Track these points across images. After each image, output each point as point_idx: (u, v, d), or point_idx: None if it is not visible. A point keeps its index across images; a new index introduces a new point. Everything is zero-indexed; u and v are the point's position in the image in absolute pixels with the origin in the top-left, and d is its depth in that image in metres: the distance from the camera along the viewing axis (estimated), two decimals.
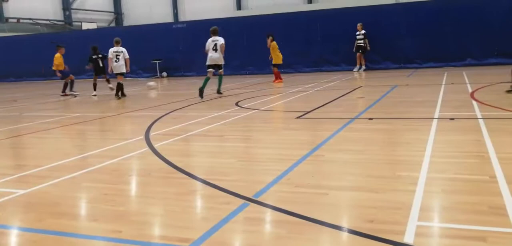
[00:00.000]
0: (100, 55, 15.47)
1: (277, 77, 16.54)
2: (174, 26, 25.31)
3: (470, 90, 10.76)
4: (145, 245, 3.15)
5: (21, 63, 26.12)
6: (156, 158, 5.67)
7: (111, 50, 14.16)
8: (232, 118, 8.62)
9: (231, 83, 17.30)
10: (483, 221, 3.23)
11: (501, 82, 11.83)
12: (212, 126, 7.88)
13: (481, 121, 6.82)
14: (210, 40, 12.77)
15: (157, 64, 23.77)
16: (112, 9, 36.35)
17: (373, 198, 3.84)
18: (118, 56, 14.15)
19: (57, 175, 5.01)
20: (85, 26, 32.64)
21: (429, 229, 3.18)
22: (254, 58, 22.05)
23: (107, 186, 4.65)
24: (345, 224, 3.37)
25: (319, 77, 17.55)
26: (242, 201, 3.86)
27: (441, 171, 4.47)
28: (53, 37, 27.82)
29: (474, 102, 8.75)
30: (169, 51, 23.18)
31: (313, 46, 21.30)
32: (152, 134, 7.28)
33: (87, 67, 16.47)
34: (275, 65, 16.66)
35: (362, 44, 19.78)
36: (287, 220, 3.46)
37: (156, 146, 6.32)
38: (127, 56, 14.25)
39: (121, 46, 14.33)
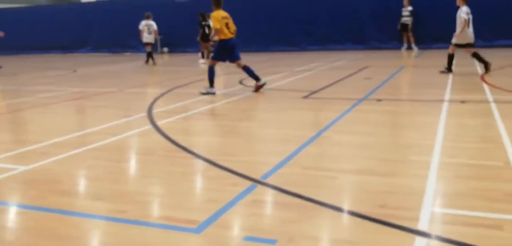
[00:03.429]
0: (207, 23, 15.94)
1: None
2: (176, 0, 25.00)
3: (480, 72, 10.57)
4: (150, 225, 3.05)
5: (20, 36, 25.88)
6: (160, 136, 5.55)
7: (143, 23, 16.90)
8: (237, 97, 8.48)
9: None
10: (499, 208, 3.12)
11: (510, 65, 11.65)
12: (216, 104, 7.74)
13: (492, 105, 6.67)
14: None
15: (158, 40, 23.49)
16: None
17: (384, 182, 3.73)
18: (149, 29, 16.71)
19: (59, 152, 4.90)
20: None
21: (443, 216, 3.07)
22: (257, 36, 21.80)
23: (111, 164, 4.54)
24: (355, 208, 3.25)
25: (325, 56, 17.34)
26: (249, 183, 3.75)
27: (453, 156, 4.35)
28: (53, 10, 27.60)
29: (485, 85, 8.58)
30: (170, 27, 22.88)
31: (318, 24, 20.99)
32: (154, 111, 7.16)
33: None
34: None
35: (407, 22, 18.83)
36: (296, 203, 3.35)
37: (159, 123, 6.20)
38: (156, 28, 17.13)
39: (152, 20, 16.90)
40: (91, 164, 4.57)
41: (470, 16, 10.56)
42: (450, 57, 10.80)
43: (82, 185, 4.05)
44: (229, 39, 8.63)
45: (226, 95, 8.61)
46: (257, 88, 8.85)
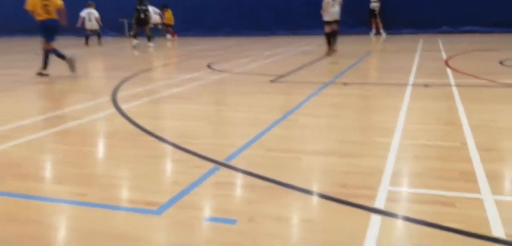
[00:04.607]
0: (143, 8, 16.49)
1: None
2: None
3: (444, 57, 10.82)
4: (112, 208, 3.03)
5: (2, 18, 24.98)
6: (124, 119, 5.49)
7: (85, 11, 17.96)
8: (204, 81, 8.45)
9: (203, 45, 17.02)
10: (453, 186, 3.23)
11: (475, 50, 11.97)
12: (183, 88, 7.70)
13: (454, 89, 6.85)
14: None
15: (126, 23, 23.05)
16: None
17: (346, 163, 3.80)
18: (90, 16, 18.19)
19: (19, 135, 4.80)
20: None
21: (400, 194, 3.16)
22: (228, 18, 21.71)
23: (72, 148, 4.47)
24: (317, 188, 3.31)
25: (295, 41, 17.40)
26: (212, 165, 3.76)
27: (413, 137, 4.46)
28: None
29: (448, 70, 8.79)
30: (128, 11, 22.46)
31: (289, 10, 21.02)
32: (119, 94, 7.06)
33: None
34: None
35: (375, 8, 19.11)
36: (258, 184, 3.38)
37: (124, 107, 6.12)
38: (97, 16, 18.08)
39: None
40: (53, 148, 4.49)
41: None
42: (327, 36, 12.12)
43: (42, 168, 3.98)
44: (46, 20, 8.97)
45: (193, 79, 8.57)
46: (39, 74, 9.29)
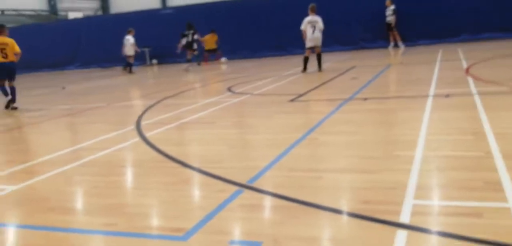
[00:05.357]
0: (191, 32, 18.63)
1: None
2: (162, 12, 25.08)
3: (465, 66, 10.71)
4: (140, 236, 3.09)
5: None
6: (148, 147, 5.59)
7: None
8: (225, 104, 8.54)
9: (222, 68, 17.20)
10: (479, 196, 3.20)
11: (495, 57, 11.82)
12: (205, 112, 7.80)
13: (476, 97, 6.77)
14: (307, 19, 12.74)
15: (147, 52, 23.54)
16: None
17: (368, 179, 3.79)
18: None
19: (47, 170, 4.93)
20: (72, 15, 32.24)
21: (425, 208, 3.14)
22: (247, 42, 21.92)
23: (99, 179, 4.57)
24: (340, 206, 3.32)
25: (313, 60, 17.42)
26: (236, 188, 3.80)
27: (436, 149, 4.43)
28: (39, 28, 27.46)
29: (469, 78, 8.71)
30: (158, 38, 22.93)
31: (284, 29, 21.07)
32: (143, 123, 7.20)
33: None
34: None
35: (390, 21, 19.09)
36: (282, 205, 3.41)
37: (148, 135, 6.24)
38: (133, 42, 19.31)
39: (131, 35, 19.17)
40: (80, 180, 4.59)
41: (314, 24, 12.46)
42: (305, 60, 12.77)
43: (70, 201, 4.07)
44: (1, 62, 9.97)
45: (215, 103, 8.67)
46: (7, 106, 10.21)
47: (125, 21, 23.71)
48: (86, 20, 28.12)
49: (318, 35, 12.52)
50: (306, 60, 12.85)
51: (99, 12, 34.87)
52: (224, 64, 19.99)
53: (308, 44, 12.70)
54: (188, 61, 18.80)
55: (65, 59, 25.80)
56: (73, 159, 5.36)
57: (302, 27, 12.63)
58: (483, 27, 18.57)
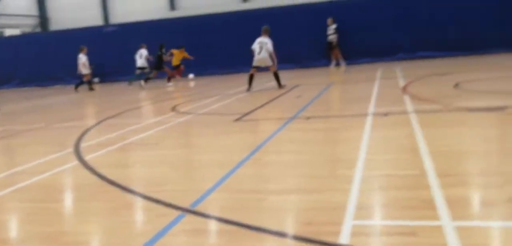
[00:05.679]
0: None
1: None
2: (104, 30, 24.52)
3: (402, 84, 11.16)
4: None
5: None
6: (87, 171, 5.41)
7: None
8: (169, 124, 8.44)
9: (166, 87, 17.00)
10: (414, 215, 3.31)
11: (430, 75, 12.40)
12: (148, 133, 7.66)
13: (412, 115, 7.06)
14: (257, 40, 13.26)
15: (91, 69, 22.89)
16: (37, 13, 34.32)
17: (311, 199, 3.85)
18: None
19: None
20: (9, 32, 30.93)
21: (364, 228, 3.21)
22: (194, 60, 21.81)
23: (35, 205, 4.37)
24: (283, 229, 3.34)
25: (258, 78, 17.59)
26: (178, 212, 3.75)
27: (375, 168, 4.57)
28: None
29: (406, 97, 9.07)
30: (101, 56, 22.34)
31: (248, 47, 21.28)
32: (84, 144, 6.97)
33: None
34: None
35: (332, 40, 19.55)
36: (225, 229, 3.39)
37: (88, 157, 6.04)
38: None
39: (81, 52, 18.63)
40: (14, 207, 4.37)
41: (262, 45, 13.03)
42: (250, 77, 13.22)
43: (4, 230, 3.86)
44: None
45: (158, 123, 8.54)
46: None
47: (65, 38, 23.04)
48: (24, 37, 27.03)
49: (264, 55, 13.04)
50: (251, 78, 13.18)
51: (38, 29, 33.58)
52: (191, 81, 19.69)
53: (254, 63, 13.27)
54: (149, 79, 18.36)
55: (2, 78, 24.65)
56: (8, 184, 5.09)
57: (252, 46, 13.29)
58: (418, 46, 19.48)
